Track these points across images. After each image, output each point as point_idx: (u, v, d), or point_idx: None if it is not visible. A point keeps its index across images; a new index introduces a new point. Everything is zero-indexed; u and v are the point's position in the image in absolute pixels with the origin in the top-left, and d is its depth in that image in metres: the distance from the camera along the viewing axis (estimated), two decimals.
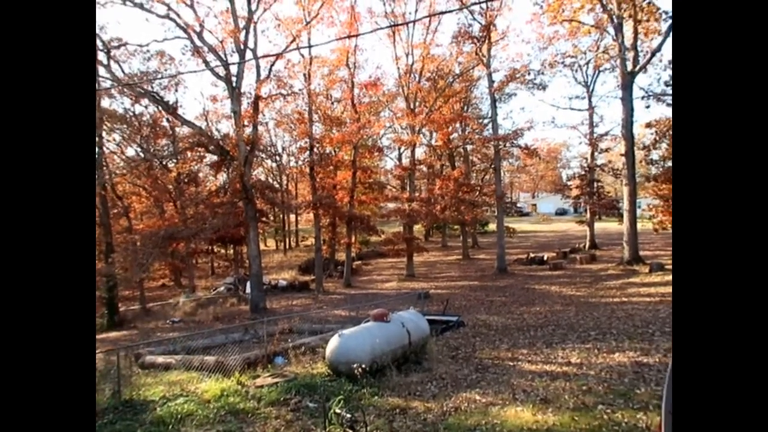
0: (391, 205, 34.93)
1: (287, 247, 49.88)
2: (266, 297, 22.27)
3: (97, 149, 23.82)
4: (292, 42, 23.39)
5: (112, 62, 22.30)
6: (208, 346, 12.90)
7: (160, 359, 11.47)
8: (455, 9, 25.61)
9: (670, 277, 18.25)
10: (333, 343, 9.17)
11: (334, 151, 31.28)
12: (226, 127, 35.11)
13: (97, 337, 19.08)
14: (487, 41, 25.95)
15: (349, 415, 6.43)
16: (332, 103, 32.83)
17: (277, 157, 45.44)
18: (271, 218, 43.63)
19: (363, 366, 8.26)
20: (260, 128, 29.75)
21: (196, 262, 36.62)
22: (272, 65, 22.92)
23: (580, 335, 11.78)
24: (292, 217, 52.34)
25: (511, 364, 9.81)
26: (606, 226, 42.81)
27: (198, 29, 20.82)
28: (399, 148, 42.58)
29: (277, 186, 43.31)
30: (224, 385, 8.56)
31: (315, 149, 28.61)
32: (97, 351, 12.67)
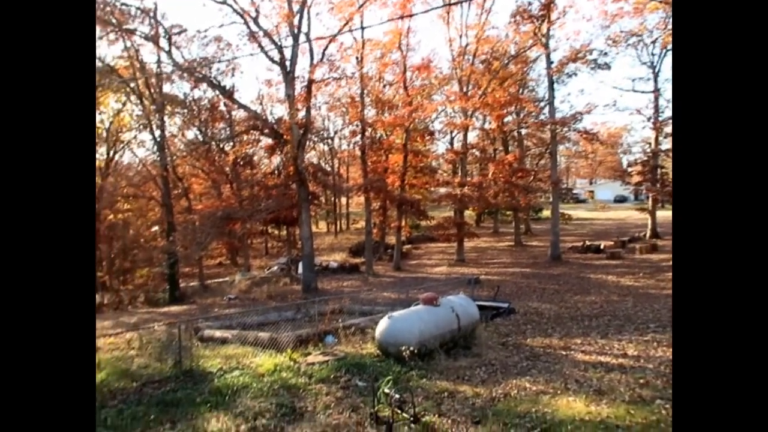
0: (443, 190, 34.58)
1: (338, 229, 50.64)
2: (317, 278, 22.75)
3: (159, 132, 24.97)
4: (345, 25, 23.38)
5: (173, 48, 23.16)
6: (262, 323, 13.35)
7: (218, 333, 11.98)
8: None
9: None
10: (382, 324, 9.26)
11: (386, 135, 31.25)
12: (280, 110, 35.75)
13: (160, 310, 20.20)
14: (546, 20, 24.93)
15: (397, 396, 6.49)
16: (384, 87, 32.70)
17: (330, 141, 45.98)
18: (323, 201, 44.31)
19: (411, 348, 8.29)
20: (313, 112, 30.15)
21: (251, 242, 37.89)
22: (325, 49, 23.04)
23: (638, 327, 11.32)
24: (344, 200, 53.01)
25: (564, 353, 9.57)
26: (669, 214, 40.66)
27: (254, 14, 21.17)
28: (451, 132, 41.99)
29: (329, 169, 43.86)
30: (277, 361, 8.86)
31: (367, 133, 28.67)
32: (159, 323, 13.42)
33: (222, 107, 30.08)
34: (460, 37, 29.26)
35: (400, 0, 25.22)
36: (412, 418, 6.22)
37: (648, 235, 31.50)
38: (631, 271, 20.58)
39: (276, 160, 36.07)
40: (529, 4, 25.19)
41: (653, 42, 29.56)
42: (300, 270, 24.18)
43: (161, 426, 6.37)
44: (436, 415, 6.45)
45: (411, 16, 25.21)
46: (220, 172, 31.07)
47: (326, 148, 47.33)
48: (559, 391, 7.23)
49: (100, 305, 22.35)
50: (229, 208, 25.33)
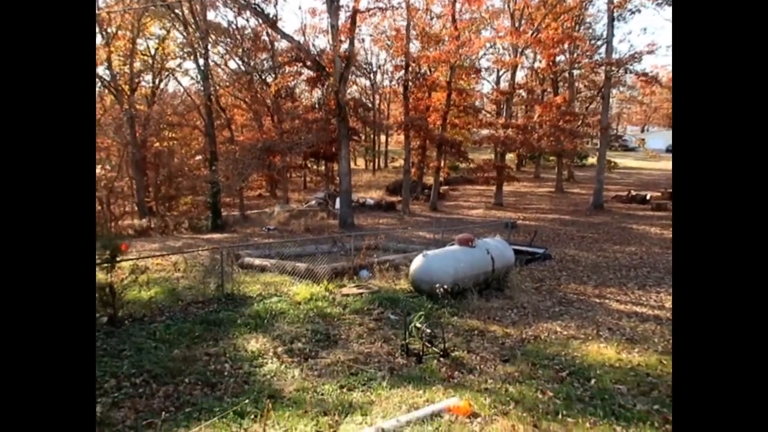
0: (485, 132, 33.58)
1: (376, 167, 50.52)
2: (354, 213, 23.01)
3: (202, 61, 24.92)
4: None
5: None
6: (299, 254, 13.74)
7: (257, 261, 12.42)
8: None
9: None
10: (417, 261, 9.37)
11: (429, 71, 30.22)
12: (323, 42, 35.03)
13: (203, 236, 21.03)
14: None
15: (428, 331, 6.66)
16: (431, 19, 31.25)
17: (372, 76, 44.94)
18: (363, 137, 44.00)
19: (445, 286, 8.40)
20: (356, 45, 29.25)
21: (290, 175, 38.37)
22: None
23: None
24: (383, 137, 52.51)
25: (598, 301, 9.52)
26: None
27: None
28: (498, 71, 40.26)
29: (370, 105, 43.19)
30: (313, 290, 9.17)
31: (410, 68, 27.79)
32: (203, 248, 14.00)
33: (265, 37, 29.60)
34: None
35: None
36: (441, 353, 6.40)
37: None
38: None
39: (317, 93, 35.78)
40: None
41: None
42: (337, 205, 24.47)
43: (205, 342, 6.79)
44: (465, 352, 6.60)
45: None
46: (261, 103, 31.05)
47: (368, 83, 46.38)
48: (590, 337, 7.25)
49: (148, 229, 23.42)
50: (270, 140, 25.48)
